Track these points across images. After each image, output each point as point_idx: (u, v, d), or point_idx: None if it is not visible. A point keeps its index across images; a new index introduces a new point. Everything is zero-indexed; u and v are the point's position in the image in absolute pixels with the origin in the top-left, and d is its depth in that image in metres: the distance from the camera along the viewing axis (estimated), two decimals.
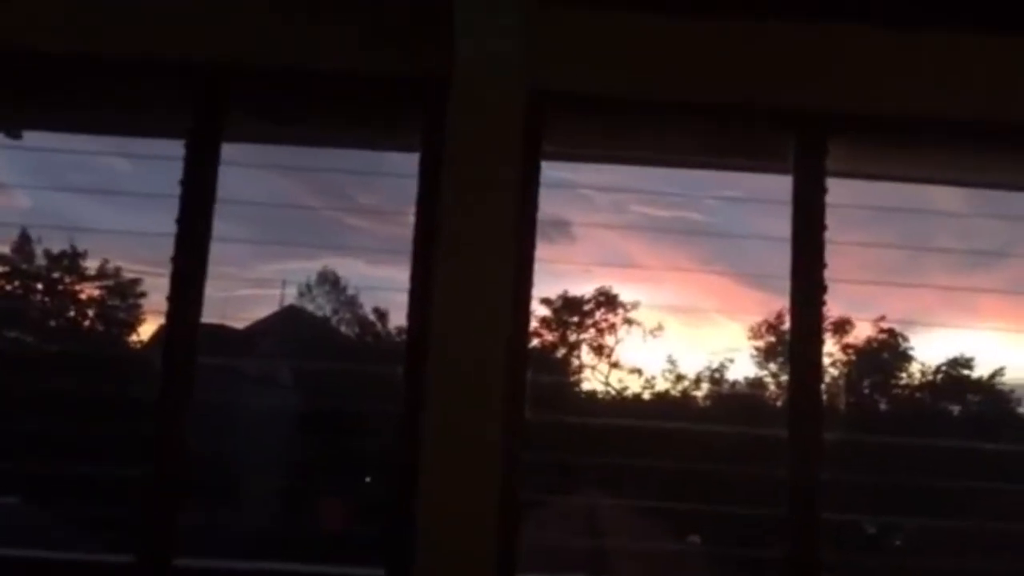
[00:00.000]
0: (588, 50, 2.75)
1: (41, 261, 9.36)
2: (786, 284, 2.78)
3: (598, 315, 11.58)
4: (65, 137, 3.36)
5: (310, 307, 11.29)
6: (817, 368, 2.73)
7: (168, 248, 2.78)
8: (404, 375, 2.73)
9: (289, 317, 10.65)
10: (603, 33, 2.76)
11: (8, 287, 9.41)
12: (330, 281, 11.07)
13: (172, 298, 2.77)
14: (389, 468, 2.76)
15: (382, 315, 10.90)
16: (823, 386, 2.81)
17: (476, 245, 2.66)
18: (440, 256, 2.66)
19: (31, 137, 3.22)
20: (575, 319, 11.51)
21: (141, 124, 3.10)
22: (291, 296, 10.89)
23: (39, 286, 9.56)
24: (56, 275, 9.53)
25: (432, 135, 2.75)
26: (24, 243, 9.09)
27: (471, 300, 2.65)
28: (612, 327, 11.68)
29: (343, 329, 11.39)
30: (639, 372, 11.74)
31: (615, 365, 11.68)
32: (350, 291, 11.06)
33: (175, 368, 2.74)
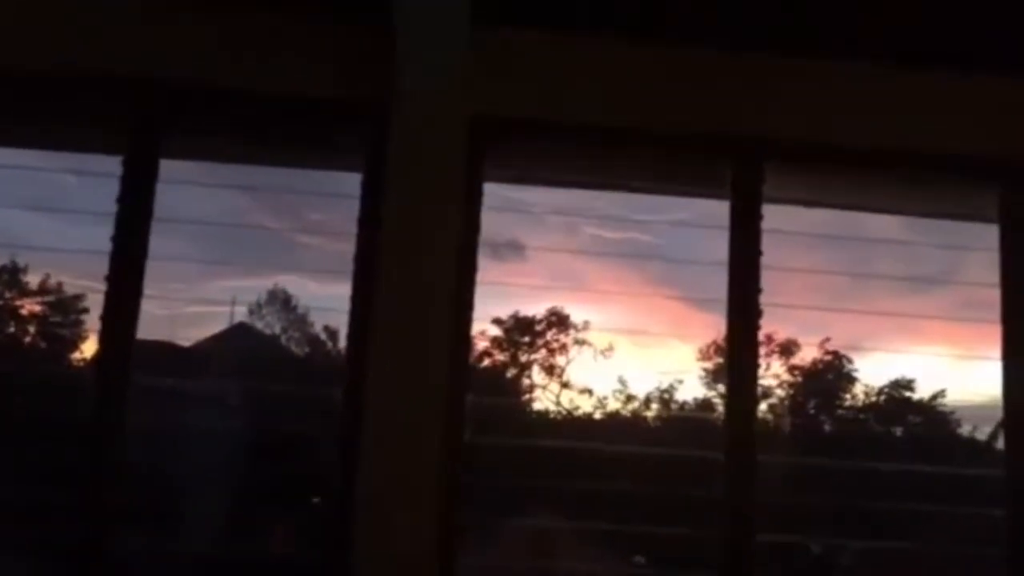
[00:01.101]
0: (528, 75, 2.78)
1: None
2: None
3: (549, 335, 11.58)
4: (4, 152, 3.30)
5: (259, 325, 11.12)
6: (752, 392, 2.77)
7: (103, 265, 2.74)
8: (343, 396, 2.72)
9: (238, 335, 10.47)
10: (544, 58, 2.79)
11: None
12: (280, 299, 10.90)
13: (105, 317, 2.73)
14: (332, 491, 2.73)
15: (332, 333, 10.77)
16: (767, 408, 2.85)
17: (415, 267, 2.67)
18: (380, 277, 2.66)
19: None
20: (526, 339, 11.50)
21: (82, 140, 3.06)
22: (241, 314, 10.73)
23: None
24: None
25: (374, 157, 2.75)
26: None
27: (410, 321, 2.65)
28: (563, 347, 11.69)
29: (293, 347, 11.23)
30: (590, 392, 11.76)
31: (566, 385, 11.69)
32: (300, 309, 10.92)
33: (108, 388, 2.69)
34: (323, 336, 11.49)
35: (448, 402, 2.65)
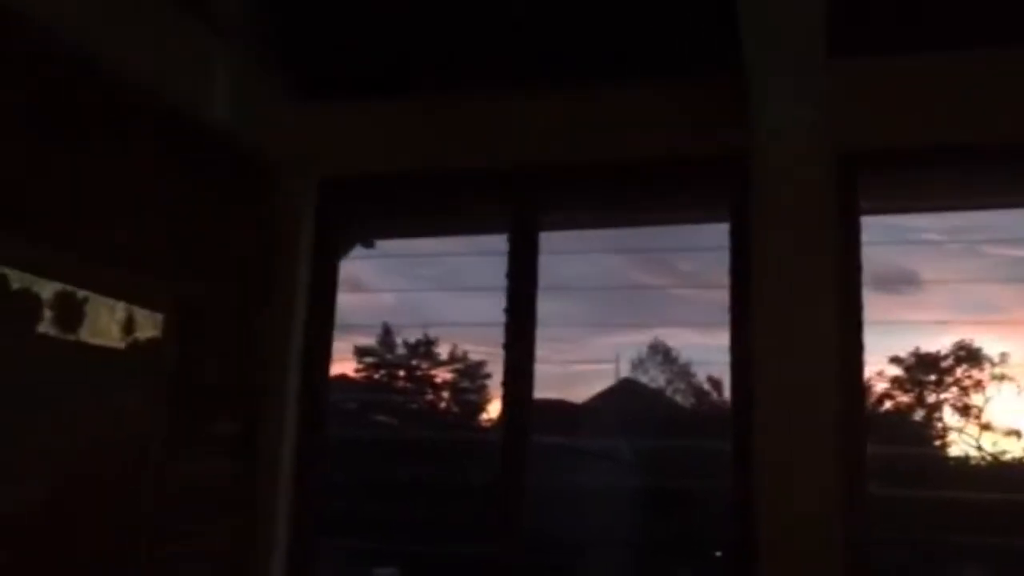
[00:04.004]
0: (891, 101, 2.59)
1: (401, 351, 10.46)
2: None
3: (959, 372, 10.43)
4: (415, 242, 3.76)
5: (644, 379, 11.38)
6: None
7: (497, 332, 2.98)
8: (732, 449, 2.68)
9: (624, 390, 10.80)
10: (907, 82, 2.59)
11: (376, 376, 10.58)
12: (661, 352, 11.08)
13: (506, 382, 2.96)
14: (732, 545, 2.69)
15: (716, 384, 10.67)
16: None
17: (792, 312, 2.58)
18: (757, 325, 2.61)
19: (388, 245, 3.64)
20: (932, 377, 10.45)
21: (477, 224, 3.36)
22: (625, 369, 11.08)
23: (400, 373, 10.64)
24: (414, 362, 10.56)
25: (739, 206, 2.72)
26: (386, 336, 10.26)
27: (792, 368, 2.55)
28: (978, 384, 10.45)
29: (679, 399, 11.30)
30: (1018, 434, 10.36)
31: (986, 427, 10.41)
32: (682, 361, 10.99)
33: (511, 449, 2.90)
34: (707, 387, 11.45)
35: (845, 450, 2.50)
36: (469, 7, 2.82)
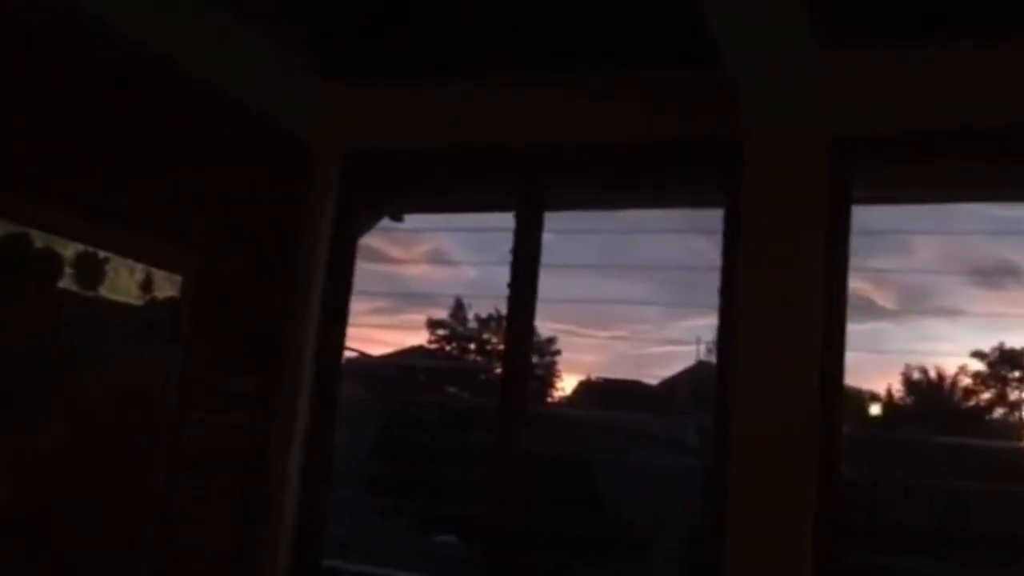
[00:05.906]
0: (883, 89, 2.57)
1: (473, 325, 10.71)
2: None
3: None
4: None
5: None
6: None
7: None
8: (712, 430, 2.74)
9: (698, 372, 10.75)
10: (895, 70, 2.56)
11: (448, 348, 10.87)
12: None
13: (506, 353, 3.10)
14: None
15: None
16: None
17: (777, 297, 2.61)
18: (742, 309, 2.66)
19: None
20: (1016, 374, 10.04)
21: (488, 201, 3.46)
22: (704, 352, 11.04)
23: (471, 346, 10.90)
24: (485, 336, 10.80)
25: (734, 191, 2.76)
26: (458, 309, 10.54)
27: (773, 353, 2.60)
28: None
29: None
30: None
31: None
32: None
33: (510, 415, 3.04)
34: None
35: (823, 434, 2.54)
36: None
